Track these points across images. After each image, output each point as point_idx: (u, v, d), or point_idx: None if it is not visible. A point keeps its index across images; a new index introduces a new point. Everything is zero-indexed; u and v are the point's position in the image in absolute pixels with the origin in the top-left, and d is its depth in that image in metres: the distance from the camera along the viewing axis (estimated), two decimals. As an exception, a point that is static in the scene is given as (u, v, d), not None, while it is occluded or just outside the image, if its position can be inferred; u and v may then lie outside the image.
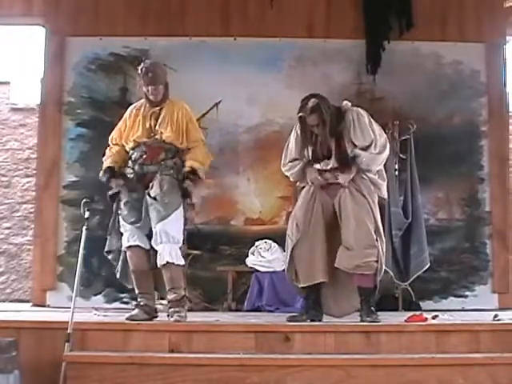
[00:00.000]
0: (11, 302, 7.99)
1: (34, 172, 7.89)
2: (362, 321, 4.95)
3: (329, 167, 5.07)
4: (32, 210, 8.00)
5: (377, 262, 4.97)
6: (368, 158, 5.02)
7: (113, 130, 5.26)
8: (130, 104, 7.28)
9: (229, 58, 7.39)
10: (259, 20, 7.40)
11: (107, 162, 5.17)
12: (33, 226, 7.82)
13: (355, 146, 5.03)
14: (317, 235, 5.04)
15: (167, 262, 4.87)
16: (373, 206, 5.05)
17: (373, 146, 5.03)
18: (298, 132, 5.14)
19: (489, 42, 7.49)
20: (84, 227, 4.79)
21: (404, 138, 6.89)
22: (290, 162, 5.22)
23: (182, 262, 4.97)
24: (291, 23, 7.42)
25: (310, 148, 5.10)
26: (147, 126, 5.08)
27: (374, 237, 4.99)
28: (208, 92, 7.22)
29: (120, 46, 7.42)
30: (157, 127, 5.06)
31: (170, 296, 4.99)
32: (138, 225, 4.97)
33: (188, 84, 6.66)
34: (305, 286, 5.09)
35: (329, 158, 5.06)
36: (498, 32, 7.52)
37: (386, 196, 5.27)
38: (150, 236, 4.98)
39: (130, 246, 5.00)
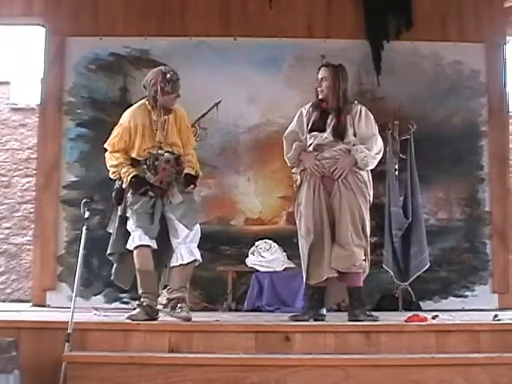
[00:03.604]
0: (11, 301, 7.98)
1: (34, 172, 7.88)
2: (355, 320, 5.02)
3: (324, 141, 5.14)
4: (32, 210, 8.00)
5: (365, 260, 5.11)
6: (368, 155, 5.11)
7: (113, 130, 5.22)
8: (130, 104, 7.34)
9: (229, 58, 7.38)
10: (259, 20, 7.40)
11: (128, 170, 5.09)
12: (33, 225, 7.82)
13: (355, 134, 5.12)
14: (324, 234, 5.10)
15: (194, 260, 5.06)
16: (362, 206, 5.13)
17: (373, 142, 5.15)
18: (304, 111, 5.29)
19: (489, 42, 7.48)
20: (84, 227, 4.79)
21: (404, 137, 6.89)
22: (290, 138, 5.30)
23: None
24: (291, 23, 7.41)
25: (311, 119, 5.20)
26: (157, 138, 5.10)
27: (362, 236, 5.10)
28: (208, 92, 7.22)
29: (120, 46, 7.41)
30: (167, 140, 5.11)
31: (177, 294, 5.02)
32: (150, 227, 5.01)
33: (188, 84, 6.62)
34: (314, 283, 5.12)
35: (324, 130, 5.16)
36: (498, 32, 7.52)
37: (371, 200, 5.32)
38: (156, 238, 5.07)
39: (140, 246, 5.01)
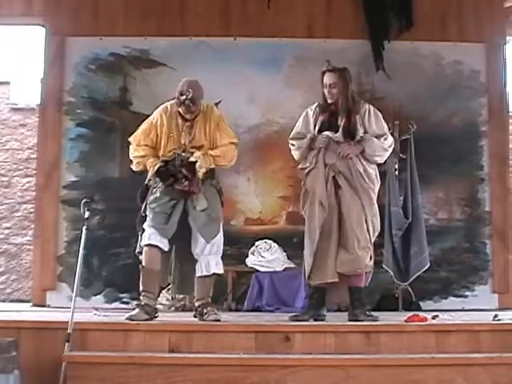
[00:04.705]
0: (11, 301, 7.98)
1: (34, 172, 7.88)
2: (355, 320, 5.02)
3: (336, 136, 5.16)
4: (32, 210, 8.00)
5: (370, 259, 5.14)
6: (377, 144, 5.16)
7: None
8: (131, 104, 7.37)
9: (229, 58, 7.38)
10: (259, 20, 7.39)
11: (154, 160, 5.13)
12: (33, 225, 7.82)
13: (366, 132, 5.17)
14: (332, 235, 5.11)
15: (213, 273, 5.11)
16: (367, 206, 5.14)
17: (383, 138, 5.21)
18: (310, 112, 5.30)
19: (489, 42, 7.48)
20: (84, 227, 4.78)
21: (404, 137, 6.88)
22: (296, 138, 5.31)
23: (222, 271, 5.22)
24: (291, 23, 7.41)
25: (319, 119, 5.21)
26: (182, 141, 5.11)
27: (368, 238, 5.12)
28: (208, 92, 7.16)
29: (120, 46, 7.41)
30: (193, 143, 5.11)
31: (202, 301, 5.11)
32: (164, 227, 5.05)
33: (188, 84, 6.66)
34: (315, 284, 5.12)
35: (336, 131, 5.16)
36: (498, 32, 7.52)
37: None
38: (169, 240, 5.11)
39: (148, 245, 5.04)
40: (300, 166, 5.37)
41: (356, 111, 5.19)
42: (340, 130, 5.15)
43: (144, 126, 5.25)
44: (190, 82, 5.11)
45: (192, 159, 5.08)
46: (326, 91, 5.22)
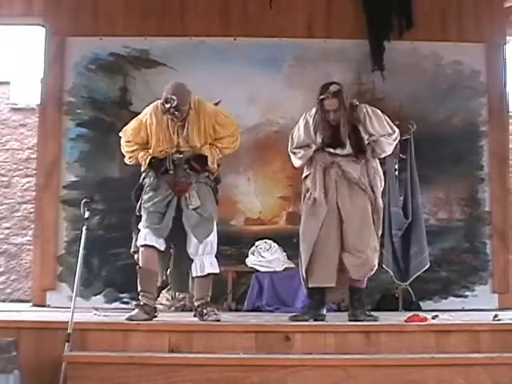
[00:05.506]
0: (11, 302, 7.98)
1: (34, 172, 7.88)
2: (355, 320, 5.02)
3: (345, 152, 5.13)
4: (32, 210, 8.00)
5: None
6: (385, 143, 5.18)
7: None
8: (131, 104, 7.37)
9: (229, 57, 7.38)
10: (259, 20, 7.40)
11: (146, 153, 5.14)
12: (33, 225, 7.82)
13: (370, 135, 5.15)
14: (329, 237, 5.08)
15: (208, 273, 5.08)
16: (374, 206, 5.13)
17: (388, 135, 5.20)
18: (309, 119, 5.23)
19: (489, 42, 7.49)
20: (84, 227, 4.79)
21: (404, 138, 6.87)
22: (299, 147, 5.26)
23: (218, 270, 5.18)
24: (291, 23, 7.41)
25: (320, 134, 5.16)
26: (174, 141, 5.10)
27: (376, 237, 5.11)
28: (208, 92, 7.17)
29: (120, 46, 7.42)
30: (189, 143, 5.11)
31: (201, 301, 5.10)
32: (158, 227, 5.05)
33: (188, 84, 6.63)
34: (313, 286, 5.11)
35: (342, 145, 5.12)
36: (498, 32, 7.52)
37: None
38: (166, 238, 5.10)
39: (144, 245, 5.05)
40: (304, 175, 5.30)
41: (358, 120, 5.14)
42: (347, 147, 5.10)
43: (134, 123, 5.24)
44: (174, 87, 5.04)
45: (201, 153, 5.13)
46: (329, 116, 5.11)
